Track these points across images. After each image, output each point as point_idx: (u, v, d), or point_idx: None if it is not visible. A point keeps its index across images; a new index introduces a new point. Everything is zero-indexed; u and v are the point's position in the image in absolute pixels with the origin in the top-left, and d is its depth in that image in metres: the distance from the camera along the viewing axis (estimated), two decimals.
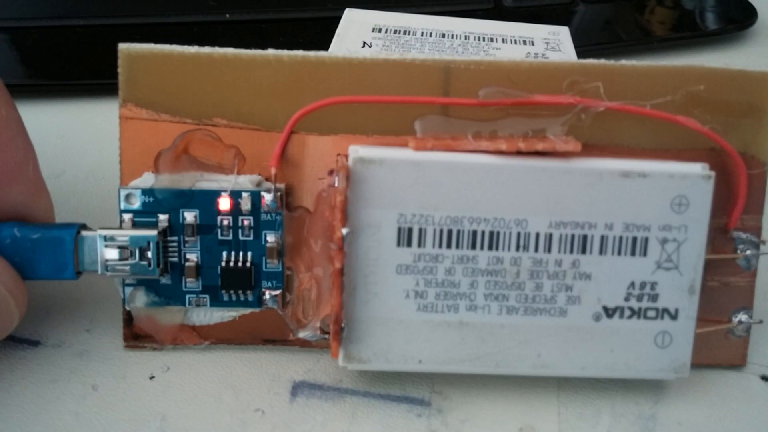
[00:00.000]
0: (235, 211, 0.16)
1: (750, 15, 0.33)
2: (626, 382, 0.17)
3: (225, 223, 0.16)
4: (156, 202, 0.16)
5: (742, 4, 0.34)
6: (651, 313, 0.15)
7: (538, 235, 0.15)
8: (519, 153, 0.15)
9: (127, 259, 0.16)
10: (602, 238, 0.15)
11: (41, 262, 0.16)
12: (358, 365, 0.15)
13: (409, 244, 0.15)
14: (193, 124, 0.16)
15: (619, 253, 0.15)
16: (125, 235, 0.16)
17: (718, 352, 0.17)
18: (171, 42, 0.16)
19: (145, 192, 0.16)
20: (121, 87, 0.16)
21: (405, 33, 0.24)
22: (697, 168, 0.15)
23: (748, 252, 0.16)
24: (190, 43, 0.16)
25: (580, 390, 0.17)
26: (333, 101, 0.16)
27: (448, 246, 0.15)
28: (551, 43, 0.23)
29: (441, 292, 0.15)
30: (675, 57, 0.32)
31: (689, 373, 0.16)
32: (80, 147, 0.24)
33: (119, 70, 0.16)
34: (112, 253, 0.16)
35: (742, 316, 0.17)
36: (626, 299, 0.15)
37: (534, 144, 0.15)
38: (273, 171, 0.16)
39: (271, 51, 0.16)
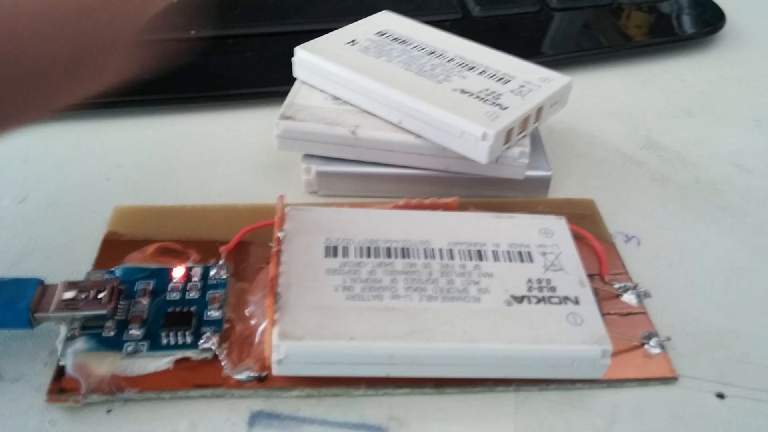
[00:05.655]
0: (187, 278, 0.19)
1: (719, 18, 0.34)
2: (583, 403, 0.17)
3: (176, 286, 0.18)
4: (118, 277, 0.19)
5: (712, 8, 0.34)
6: (555, 300, 0.17)
7: (441, 249, 0.18)
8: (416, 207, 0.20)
9: (82, 299, 0.17)
10: (493, 252, 0.18)
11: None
12: (292, 342, 0.16)
13: (335, 256, 0.18)
14: (163, 240, 0.20)
15: (511, 261, 0.18)
16: (86, 281, 0.18)
17: (646, 368, 0.18)
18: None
19: (110, 271, 0.19)
20: (110, 223, 0.21)
21: (401, 42, 0.24)
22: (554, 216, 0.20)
23: (630, 292, 0.20)
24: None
25: (537, 412, 0.17)
26: (268, 222, 0.20)
27: (368, 256, 0.18)
28: (525, 89, 0.22)
29: (366, 286, 0.17)
30: (651, 60, 0.32)
31: (611, 346, 0.16)
32: (44, 172, 0.24)
33: (111, 218, 0.21)
34: (69, 294, 0.17)
35: (651, 339, 0.18)
36: (529, 290, 0.18)
37: (423, 201, 0.21)
38: (222, 249, 0.20)
39: (229, 204, 0.22)
